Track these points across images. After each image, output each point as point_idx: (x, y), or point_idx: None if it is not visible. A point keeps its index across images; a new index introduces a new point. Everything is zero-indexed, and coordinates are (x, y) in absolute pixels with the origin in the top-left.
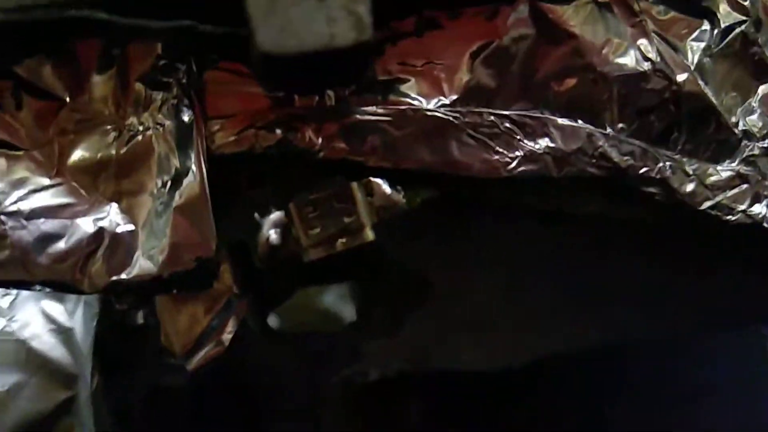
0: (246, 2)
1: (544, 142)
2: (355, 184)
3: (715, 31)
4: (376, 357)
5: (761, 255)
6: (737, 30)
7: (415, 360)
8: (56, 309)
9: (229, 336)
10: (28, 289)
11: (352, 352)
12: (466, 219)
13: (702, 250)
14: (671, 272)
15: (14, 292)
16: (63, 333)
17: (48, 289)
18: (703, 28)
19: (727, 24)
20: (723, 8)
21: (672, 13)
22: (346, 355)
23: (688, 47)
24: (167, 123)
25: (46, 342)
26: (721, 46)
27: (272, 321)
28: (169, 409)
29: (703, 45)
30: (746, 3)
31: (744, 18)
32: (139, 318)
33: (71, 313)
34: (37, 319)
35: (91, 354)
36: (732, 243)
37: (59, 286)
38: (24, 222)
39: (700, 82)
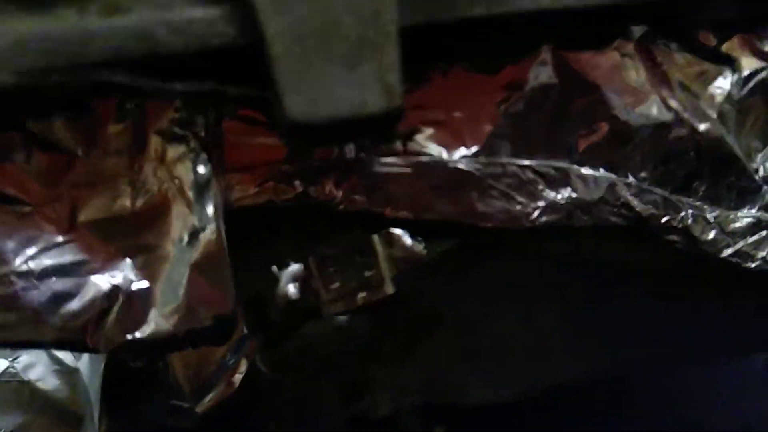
0: (274, 70)
1: (566, 192)
2: (375, 237)
3: (736, 78)
4: (387, 391)
5: None
6: (758, 77)
7: (426, 393)
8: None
9: (240, 376)
10: (40, 348)
11: (363, 387)
12: (480, 256)
13: (712, 287)
14: (678, 307)
15: None
16: (68, 374)
17: (60, 350)
18: (725, 74)
19: (748, 71)
20: (743, 55)
21: (693, 60)
22: (357, 390)
23: (710, 94)
24: (184, 177)
25: (50, 383)
26: (743, 93)
27: (281, 357)
28: None
29: (725, 92)
30: (767, 49)
31: (765, 64)
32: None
33: (78, 354)
34: (42, 359)
35: (99, 395)
36: (743, 282)
37: (72, 346)
38: (35, 282)
39: (722, 130)
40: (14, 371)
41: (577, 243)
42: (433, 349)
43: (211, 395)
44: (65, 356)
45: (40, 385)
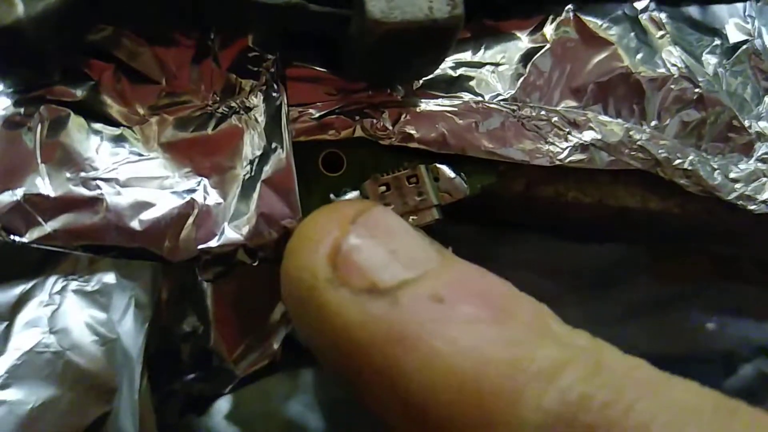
0: None
1: (590, 135)
2: (422, 167)
3: (725, 47)
4: None
5: None
6: (744, 47)
7: None
8: (100, 319)
9: (277, 345)
10: (121, 256)
11: None
12: (500, 241)
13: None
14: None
15: (57, 302)
16: (105, 344)
17: (137, 259)
18: (715, 43)
19: (734, 41)
20: (729, 29)
21: (688, 31)
22: None
23: (704, 59)
24: (256, 106)
25: (85, 354)
26: (731, 59)
27: None
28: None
29: (716, 59)
30: (748, 25)
31: (748, 37)
32: (187, 325)
33: (117, 322)
34: (78, 329)
35: (141, 357)
36: None
37: (149, 255)
38: (119, 188)
39: (718, 88)
40: (49, 342)
41: (601, 191)
42: None
43: (250, 359)
44: (103, 326)
45: (75, 357)
